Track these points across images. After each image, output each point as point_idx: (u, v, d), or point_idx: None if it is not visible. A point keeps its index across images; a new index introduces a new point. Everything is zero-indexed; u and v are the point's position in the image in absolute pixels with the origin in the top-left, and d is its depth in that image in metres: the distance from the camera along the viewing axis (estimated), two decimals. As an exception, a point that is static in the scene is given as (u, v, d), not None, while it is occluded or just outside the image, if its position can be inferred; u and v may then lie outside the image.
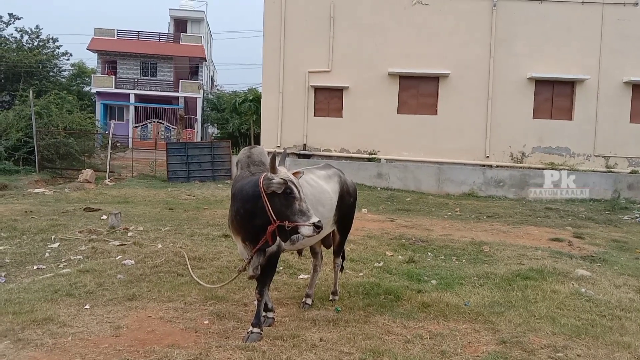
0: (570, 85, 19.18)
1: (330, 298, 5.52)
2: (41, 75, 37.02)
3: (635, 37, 18.68)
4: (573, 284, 6.14)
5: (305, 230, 3.93)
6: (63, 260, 6.87)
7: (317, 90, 20.02)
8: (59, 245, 7.60)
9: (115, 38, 38.06)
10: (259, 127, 21.76)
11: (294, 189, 4.01)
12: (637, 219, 13.07)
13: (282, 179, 4.01)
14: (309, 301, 5.28)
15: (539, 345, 4.36)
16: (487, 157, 19.31)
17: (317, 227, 3.91)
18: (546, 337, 4.58)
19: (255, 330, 4.31)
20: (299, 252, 5.56)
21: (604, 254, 8.21)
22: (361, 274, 6.63)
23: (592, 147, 19.08)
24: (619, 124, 18.95)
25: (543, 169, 18.60)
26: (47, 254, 7.15)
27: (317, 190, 4.91)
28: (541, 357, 4.13)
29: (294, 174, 4.24)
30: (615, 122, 18.93)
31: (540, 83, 19.19)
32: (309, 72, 19.82)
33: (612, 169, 18.78)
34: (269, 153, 4.39)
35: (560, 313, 5.20)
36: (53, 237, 8.04)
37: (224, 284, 5.28)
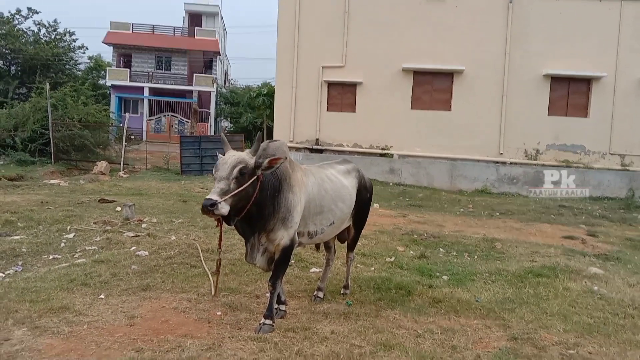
0: (586, 82, 18.97)
1: (341, 292, 5.55)
2: (57, 68, 37.45)
3: (654, 34, 18.42)
4: (586, 282, 6.11)
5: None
6: (78, 250, 6.97)
7: (331, 85, 20.00)
8: (74, 235, 7.71)
9: (131, 32, 38.26)
10: (273, 121, 21.82)
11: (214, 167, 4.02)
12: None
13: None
14: (320, 294, 5.32)
15: (550, 342, 4.35)
16: (501, 153, 19.18)
17: (203, 205, 3.71)
18: (558, 334, 4.57)
19: (268, 322, 4.36)
20: (317, 246, 5.59)
21: (617, 253, 8.14)
22: (372, 268, 6.65)
23: (608, 145, 18.87)
24: (636, 122, 18.69)
25: (557, 166, 18.47)
26: (62, 244, 7.25)
27: (337, 185, 4.95)
28: (552, 354, 4.12)
29: (272, 160, 4.12)
30: (632, 120, 18.69)
31: (555, 80, 19.00)
32: (323, 67, 19.81)
33: (627, 167, 18.57)
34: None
35: (573, 310, 5.18)
36: (68, 227, 8.15)
37: (213, 291, 5.18)
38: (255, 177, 4.03)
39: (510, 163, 18.92)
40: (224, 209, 3.77)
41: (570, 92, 19.08)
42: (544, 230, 10.36)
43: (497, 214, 12.85)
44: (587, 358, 4.07)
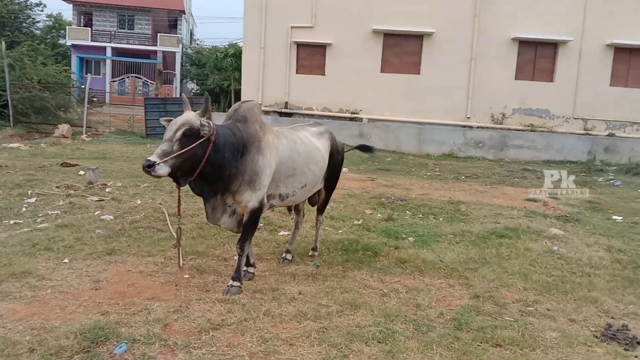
0: (553, 46, 19.16)
1: (310, 254, 5.60)
2: (13, 27, 35.75)
3: (620, -1, 18.61)
4: (546, 243, 6.30)
5: None
6: (40, 215, 6.80)
7: (300, 46, 19.68)
8: (36, 200, 7.51)
9: (91, -12, 36.67)
10: (240, 83, 21.43)
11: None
12: (611, 181, 13.35)
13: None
14: (288, 257, 5.35)
15: (510, 300, 4.51)
16: (468, 117, 19.38)
17: (142, 165, 3.75)
18: (518, 292, 4.73)
19: (236, 283, 4.38)
20: (289, 208, 5.59)
21: (577, 214, 8.39)
22: (341, 231, 6.72)
23: (572, 110, 19.24)
24: (599, 87, 19.07)
25: (523, 130, 18.79)
26: (24, 209, 7.07)
27: (310, 147, 4.92)
28: (512, 311, 4.28)
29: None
30: (596, 85, 19.05)
31: (523, 44, 19.12)
32: (292, 27, 19.42)
33: (589, 132, 19.02)
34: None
35: (533, 270, 5.36)
36: (30, 192, 7.92)
37: (179, 261, 4.94)
38: (205, 139, 3.97)
39: (477, 127, 19.14)
40: (162, 170, 3.78)
41: (537, 56, 19.26)
42: (507, 193, 10.59)
43: (463, 177, 13.08)
44: (545, 314, 4.24)
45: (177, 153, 3.85)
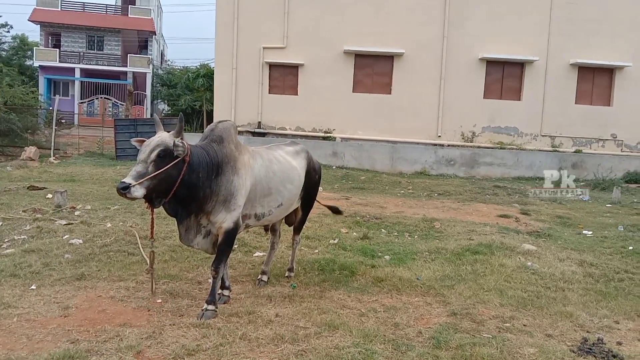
0: (519, 66, 19.69)
1: (286, 275, 5.52)
2: (-22, 48, 35.08)
3: (582, 20, 19.28)
4: (520, 258, 6.36)
5: None
6: (6, 240, 6.57)
7: (272, 66, 19.76)
8: (1, 225, 7.26)
9: (59, 9, 36.20)
10: (212, 104, 21.35)
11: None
12: (580, 196, 13.64)
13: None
14: (264, 278, 5.27)
15: (487, 317, 4.51)
16: (439, 136, 19.67)
17: (117, 188, 3.69)
18: (494, 308, 4.74)
19: (210, 307, 4.27)
20: (265, 228, 5.52)
21: (548, 230, 8.53)
22: (317, 250, 6.66)
23: (539, 127, 19.73)
24: (565, 105, 19.63)
25: (492, 148, 19.14)
26: (-12, 234, 6.82)
27: (286, 166, 4.90)
28: (490, 327, 4.27)
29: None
30: (562, 103, 19.60)
31: (491, 64, 19.60)
32: (264, 47, 19.53)
33: (557, 149, 19.51)
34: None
35: (508, 286, 5.39)
36: (-6, 216, 7.67)
37: (152, 285, 4.79)
38: (179, 160, 3.92)
39: (448, 145, 19.43)
40: (137, 192, 3.71)
41: (504, 76, 19.77)
42: (480, 210, 10.71)
43: (436, 194, 13.19)
44: (522, 330, 4.25)
45: (153, 174, 3.78)
